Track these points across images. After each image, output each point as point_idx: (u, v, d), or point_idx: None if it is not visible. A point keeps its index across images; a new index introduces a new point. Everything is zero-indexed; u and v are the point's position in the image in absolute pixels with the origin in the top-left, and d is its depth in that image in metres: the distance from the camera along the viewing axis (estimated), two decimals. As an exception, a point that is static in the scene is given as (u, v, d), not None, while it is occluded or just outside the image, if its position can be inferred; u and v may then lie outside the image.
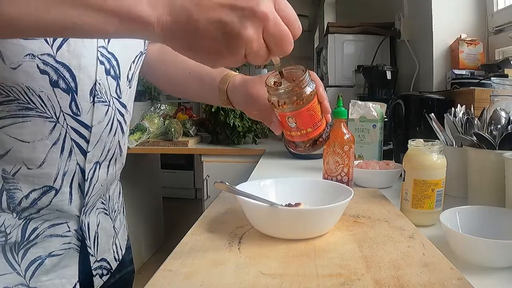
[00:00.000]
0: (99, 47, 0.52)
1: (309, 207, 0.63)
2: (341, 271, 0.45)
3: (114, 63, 0.55)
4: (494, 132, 0.75)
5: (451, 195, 0.84)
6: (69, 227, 0.52)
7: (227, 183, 0.56)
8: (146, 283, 0.43)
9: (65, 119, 0.49)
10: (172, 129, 2.02)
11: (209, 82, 0.67)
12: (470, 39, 1.36)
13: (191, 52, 0.40)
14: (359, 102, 1.21)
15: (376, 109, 1.18)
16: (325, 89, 1.86)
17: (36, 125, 0.47)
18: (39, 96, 0.46)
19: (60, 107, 0.48)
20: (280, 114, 0.56)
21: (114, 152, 0.58)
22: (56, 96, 0.47)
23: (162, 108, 2.18)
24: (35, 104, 0.46)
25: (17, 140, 0.46)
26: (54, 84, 0.47)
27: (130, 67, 0.59)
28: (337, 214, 0.59)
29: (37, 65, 0.46)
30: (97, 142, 0.54)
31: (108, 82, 0.54)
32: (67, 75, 0.48)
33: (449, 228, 0.56)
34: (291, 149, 0.63)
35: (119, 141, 0.59)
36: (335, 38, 1.85)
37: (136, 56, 0.60)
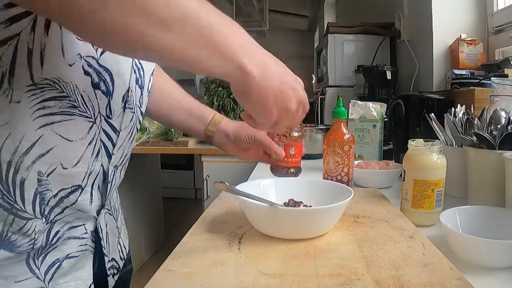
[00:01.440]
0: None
1: (309, 207, 0.63)
2: (341, 271, 0.45)
3: (142, 73, 0.58)
4: (494, 132, 0.75)
5: (451, 195, 0.84)
6: (86, 229, 0.53)
7: (227, 183, 0.56)
8: (146, 283, 0.43)
9: (100, 120, 0.50)
10: (172, 129, 2.02)
11: (198, 115, 0.78)
12: (470, 39, 1.36)
13: (250, 104, 0.48)
14: (359, 102, 1.21)
15: (376, 109, 1.18)
16: (325, 89, 1.86)
17: (78, 124, 0.47)
18: (81, 96, 0.47)
19: (99, 109, 0.50)
20: (286, 143, 0.88)
21: (128, 156, 0.60)
22: (96, 98, 0.49)
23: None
24: (78, 103, 0.47)
25: (62, 138, 0.46)
26: (95, 86, 0.49)
27: (150, 79, 0.62)
28: (337, 214, 0.59)
29: (82, 66, 0.47)
30: (120, 146, 0.55)
31: (136, 91, 0.56)
32: (107, 78, 0.50)
33: (449, 228, 0.56)
34: (281, 174, 0.88)
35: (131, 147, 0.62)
36: (335, 38, 1.85)
37: (153, 70, 0.63)
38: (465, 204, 0.67)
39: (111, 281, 0.61)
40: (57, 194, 0.47)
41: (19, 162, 0.43)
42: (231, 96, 2.08)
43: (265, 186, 0.68)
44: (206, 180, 1.96)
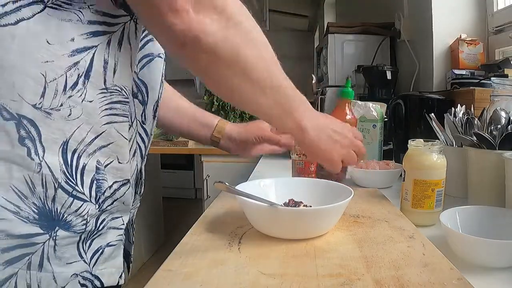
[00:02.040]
0: (162, 73, 0.64)
1: (309, 207, 0.63)
2: (341, 271, 0.45)
3: (163, 90, 0.66)
4: (494, 132, 0.75)
5: (451, 195, 0.84)
6: (123, 221, 0.57)
7: (226, 183, 0.56)
8: (146, 283, 0.43)
9: (136, 124, 0.58)
10: (172, 129, 2.02)
11: (203, 122, 0.87)
12: (470, 39, 1.36)
13: (309, 151, 0.66)
14: (359, 102, 1.21)
15: (376, 109, 1.18)
16: (325, 89, 1.86)
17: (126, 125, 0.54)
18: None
19: (135, 115, 0.58)
20: (306, 161, 0.96)
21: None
22: (134, 105, 0.57)
23: (162, 108, 2.18)
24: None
25: (121, 135, 0.52)
26: (134, 95, 0.57)
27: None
28: (337, 214, 0.59)
29: (134, 78, 0.55)
30: (148, 150, 0.63)
31: (160, 103, 0.64)
32: (143, 90, 0.59)
33: (449, 228, 0.56)
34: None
35: None
36: (335, 38, 1.85)
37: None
38: (465, 204, 0.67)
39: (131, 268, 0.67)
40: (111, 185, 0.52)
41: (83, 150, 0.48)
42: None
43: (265, 186, 0.68)
44: (206, 180, 1.96)
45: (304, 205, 0.65)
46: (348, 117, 0.88)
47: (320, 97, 1.92)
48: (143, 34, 0.58)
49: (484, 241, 0.51)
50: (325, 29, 2.03)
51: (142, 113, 0.59)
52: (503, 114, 0.76)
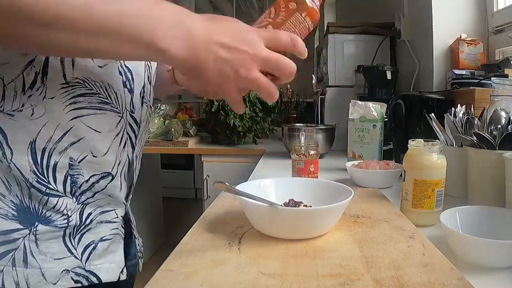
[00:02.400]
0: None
1: (309, 207, 0.63)
2: (341, 271, 0.45)
3: (151, 71, 0.63)
4: (494, 132, 0.75)
5: (451, 195, 0.84)
6: (116, 214, 0.57)
7: (226, 183, 0.56)
8: (146, 283, 0.43)
9: (126, 115, 0.56)
10: (172, 129, 2.02)
11: None
12: (470, 39, 1.36)
13: (194, 82, 0.50)
14: (359, 102, 1.21)
15: (376, 109, 1.18)
16: (325, 89, 1.86)
17: (108, 117, 0.53)
18: (115, 93, 0.53)
19: (125, 104, 0.55)
20: (306, 161, 0.95)
21: (143, 147, 0.65)
22: (124, 95, 0.55)
23: (162, 108, 2.18)
24: (111, 99, 0.53)
25: (91, 129, 0.51)
26: (124, 84, 0.55)
27: (154, 75, 0.66)
28: (337, 214, 0.59)
29: (118, 67, 0.54)
30: (140, 138, 0.61)
31: (147, 87, 0.61)
32: (130, 77, 0.56)
33: (449, 228, 0.56)
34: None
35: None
36: (335, 38, 1.85)
37: (156, 66, 0.67)
38: (465, 204, 0.67)
39: (140, 265, 0.67)
40: (88, 179, 0.52)
41: (53, 148, 0.48)
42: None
43: (265, 186, 0.68)
44: (206, 180, 1.96)
45: (304, 205, 0.64)
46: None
47: (320, 97, 1.92)
48: None
49: (484, 241, 0.51)
50: (325, 29, 2.02)
51: (130, 101, 0.57)
52: (503, 114, 0.76)
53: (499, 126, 0.75)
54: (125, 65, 0.55)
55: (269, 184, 0.69)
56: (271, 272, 0.45)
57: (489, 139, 0.73)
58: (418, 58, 1.56)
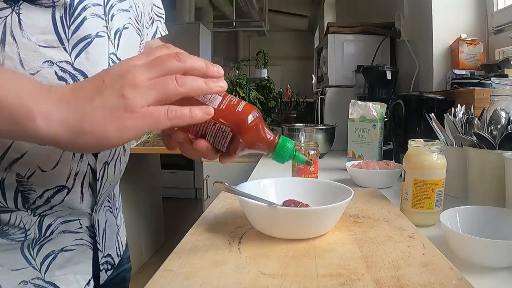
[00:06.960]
0: (110, 53, 0.53)
1: (309, 207, 0.63)
2: (341, 271, 0.45)
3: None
4: (494, 132, 0.75)
5: (451, 195, 0.84)
6: (81, 224, 0.54)
7: (226, 183, 0.56)
8: (146, 283, 0.43)
9: None
10: (172, 129, 2.02)
11: None
12: (470, 39, 1.36)
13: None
14: (359, 102, 1.21)
15: (376, 109, 1.18)
16: (325, 89, 1.86)
17: None
18: None
19: None
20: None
21: (120, 151, 0.60)
22: None
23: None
24: None
25: (31, 144, 0.45)
26: None
27: None
28: (337, 214, 0.59)
29: (55, 72, 0.47)
30: None
31: None
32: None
33: (449, 228, 0.56)
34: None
35: None
36: (335, 38, 1.85)
37: None
38: (465, 204, 0.67)
39: (104, 276, 0.62)
40: (42, 195, 0.48)
41: None
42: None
43: (265, 186, 0.68)
44: (206, 180, 1.96)
45: (304, 205, 0.64)
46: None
47: (320, 97, 1.92)
48: (75, 14, 0.47)
49: (484, 241, 0.51)
50: (325, 29, 2.03)
51: None
52: (503, 114, 0.76)
53: (499, 126, 0.75)
54: (74, 67, 0.48)
55: (269, 184, 0.69)
56: (271, 272, 0.45)
57: (489, 139, 0.73)
58: (418, 58, 1.56)
